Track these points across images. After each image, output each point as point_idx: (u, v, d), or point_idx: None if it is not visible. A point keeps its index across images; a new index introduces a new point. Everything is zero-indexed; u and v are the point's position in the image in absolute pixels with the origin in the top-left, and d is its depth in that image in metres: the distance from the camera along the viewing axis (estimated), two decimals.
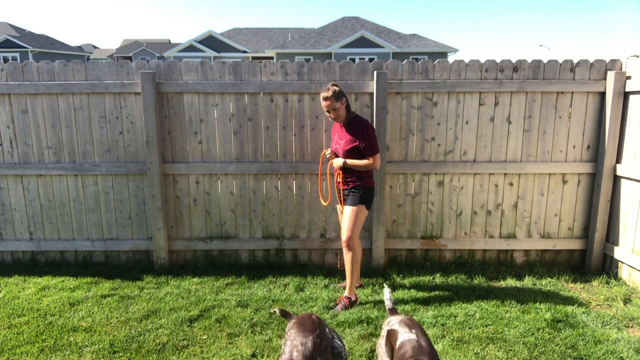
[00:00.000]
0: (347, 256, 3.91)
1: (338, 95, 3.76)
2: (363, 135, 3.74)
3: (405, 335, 2.35)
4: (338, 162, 3.85)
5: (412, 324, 2.45)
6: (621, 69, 4.44)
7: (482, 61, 4.50)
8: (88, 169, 4.65)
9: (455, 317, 3.69)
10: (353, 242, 3.87)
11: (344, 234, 3.87)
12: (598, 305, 3.98)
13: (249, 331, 3.48)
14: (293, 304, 3.93)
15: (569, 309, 3.81)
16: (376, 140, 3.82)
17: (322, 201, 4.37)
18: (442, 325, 3.57)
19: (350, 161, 3.80)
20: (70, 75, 4.53)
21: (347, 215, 3.87)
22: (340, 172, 3.87)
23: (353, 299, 3.93)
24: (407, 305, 3.89)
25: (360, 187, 3.85)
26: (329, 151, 3.99)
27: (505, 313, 3.77)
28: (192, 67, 4.53)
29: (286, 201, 4.75)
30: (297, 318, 2.51)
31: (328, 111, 3.81)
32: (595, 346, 3.29)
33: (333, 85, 3.81)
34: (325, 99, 3.76)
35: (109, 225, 4.80)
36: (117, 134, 4.63)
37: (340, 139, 3.87)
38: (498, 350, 3.25)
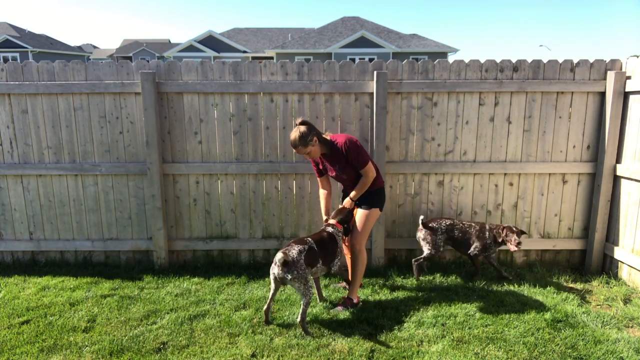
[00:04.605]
0: (354, 258, 3.90)
1: (306, 141, 3.60)
2: (347, 157, 3.70)
3: None
4: (347, 201, 3.88)
5: None
6: (621, 69, 4.44)
7: (482, 61, 4.50)
8: (88, 169, 4.65)
9: (455, 317, 3.69)
10: (361, 244, 3.87)
11: (354, 236, 3.86)
12: (598, 305, 3.99)
13: (249, 331, 3.48)
14: (293, 304, 3.93)
15: (569, 309, 3.81)
16: (359, 152, 3.70)
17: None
18: (442, 325, 3.57)
19: (355, 193, 3.80)
20: (70, 75, 4.53)
21: (359, 218, 3.87)
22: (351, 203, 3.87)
23: (355, 301, 3.89)
24: (407, 305, 3.89)
25: (371, 190, 3.85)
26: (324, 217, 4.02)
27: (505, 313, 3.77)
28: (192, 67, 4.53)
29: (286, 201, 4.75)
30: None
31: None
32: (595, 346, 3.29)
33: (301, 124, 3.64)
34: (294, 146, 3.65)
35: (109, 225, 4.80)
36: (117, 134, 4.63)
37: (332, 168, 3.86)
38: (498, 350, 3.25)
